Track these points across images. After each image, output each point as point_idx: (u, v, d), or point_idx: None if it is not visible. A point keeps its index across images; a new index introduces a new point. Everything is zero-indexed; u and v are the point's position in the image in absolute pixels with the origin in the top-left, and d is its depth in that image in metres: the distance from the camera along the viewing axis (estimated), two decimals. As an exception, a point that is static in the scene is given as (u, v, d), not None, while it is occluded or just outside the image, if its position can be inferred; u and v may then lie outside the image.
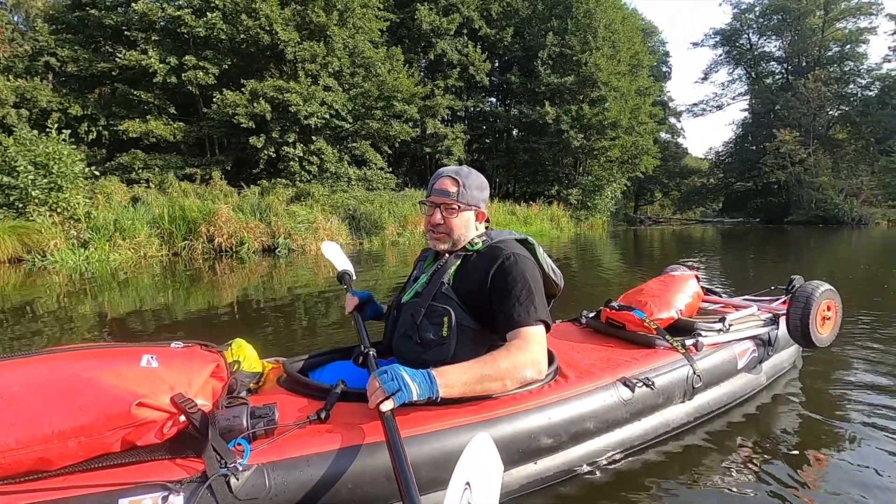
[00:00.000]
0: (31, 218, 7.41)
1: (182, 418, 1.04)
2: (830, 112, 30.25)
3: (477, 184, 1.51)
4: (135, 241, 7.65)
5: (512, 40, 21.29)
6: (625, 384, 1.59)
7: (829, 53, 30.94)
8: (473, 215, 1.52)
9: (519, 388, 1.38)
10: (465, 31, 20.25)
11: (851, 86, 30.48)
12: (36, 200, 7.48)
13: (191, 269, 7.05)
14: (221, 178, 12.63)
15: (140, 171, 12.88)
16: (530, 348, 1.33)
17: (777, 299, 2.45)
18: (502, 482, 1.18)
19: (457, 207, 1.46)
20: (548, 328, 1.40)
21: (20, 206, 7.45)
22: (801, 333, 2.08)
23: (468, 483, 0.92)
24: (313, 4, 14.35)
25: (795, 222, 26.55)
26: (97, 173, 8.93)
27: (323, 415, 1.18)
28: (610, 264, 8.41)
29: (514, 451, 1.33)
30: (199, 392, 1.10)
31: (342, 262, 2.26)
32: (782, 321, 2.17)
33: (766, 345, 2.10)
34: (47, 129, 7.90)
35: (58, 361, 1.06)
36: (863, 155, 29.48)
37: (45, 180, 7.50)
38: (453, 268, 1.48)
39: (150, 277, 6.45)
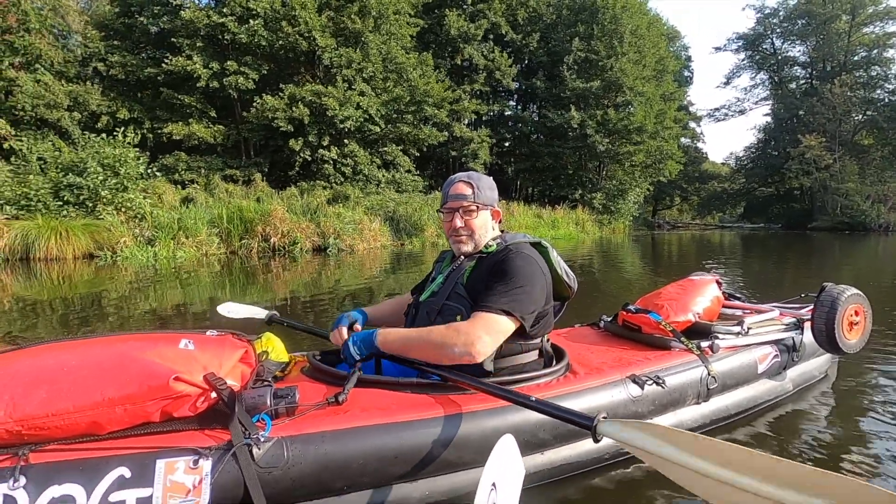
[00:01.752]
0: (99, 216, 7.84)
1: (213, 394, 1.16)
2: (856, 117, 29.91)
3: (488, 185, 1.62)
4: (197, 239, 8.05)
5: (537, 45, 21.51)
6: (634, 381, 1.60)
7: (856, 58, 30.58)
8: (490, 215, 1.61)
9: (453, 363, 1.40)
10: (491, 36, 20.53)
11: (878, 91, 30.10)
12: (104, 200, 7.91)
13: (247, 266, 7.42)
14: (263, 180, 13.03)
15: (183, 172, 13.33)
16: (470, 329, 1.37)
17: (806, 306, 2.37)
18: None
19: (475, 208, 1.55)
20: (524, 324, 1.43)
21: (90, 205, 7.88)
22: (826, 338, 2.03)
23: (494, 484, 0.97)
24: (348, 10, 14.74)
25: (820, 228, 26.31)
26: (158, 174, 9.37)
27: (340, 398, 1.28)
28: (632, 268, 8.61)
29: (520, 441, 1.36)
30: (228, 373, 1.23)
31: (256, 312, 2.23)
32: (807, 327, 2.13)
33: (790, 350, 2.07)
34: (114, 133, 8.33)
35: (109, 342, 1.23)
36: (889, 161, 29.07)
37: (114, 181, 7.92)
38: (468, 269, 1.55)
39: (209, 274, 6.82)
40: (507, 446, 1.07)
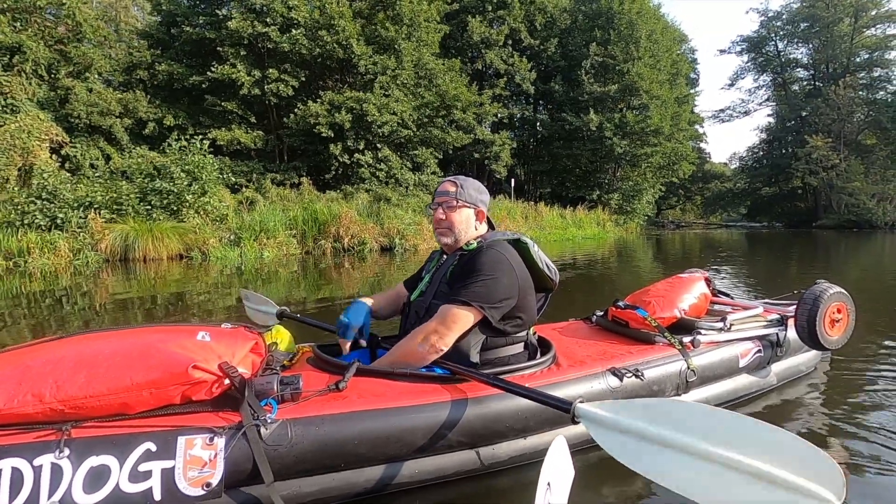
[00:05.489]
0: (183, 219, 8.30)
1: (226, 381, 1.30)
2: (858, 117, 30.67)
3: (475, 186, 1.74)
4: (277, 240, 8.53)
5: (554, 50, 22.07)
6: (614, 373, 1.69)
7: (858, 60, 31.34)
8: (473, 213, 1.72)
9: (425, 360, 1.54)
10: (510, 41, 21.08)
11: (881, 92, 30.85)
12: (187, 204, 8.37)
13: (321, 266, 7.90)
14: (310, 184, 13.49)
15: (228, 176, 13.73)
16: (429, 325, 1.52)
17: (794, 303, 2.40)
18: (494, 454, 1.50)
19: (455, 203, 1.67)
20: (487, 315, 1.53)
21: (175, 209, 8.35)
22: (807, 334, 2.12)
23: (549, 483, 1.05)
24: (380, 18, 15.23)
25: (826, 226, 26.98)
26: (238, 180, 9.81)
27: (340, 385, 1.41)
28: (644, 264, 9.15)
29: (504, 427, 1.50)
30: (240, 362, 1.36)
31: (269, 306, 2.35)
32: (791, 323, 2.20)
33: (773, 346, 2.15)
34: (192, 142, 8.80)
35: (137, 333, 1.41)
36: (893, 160, 29.81)
37: (196, 185, 8.39)
38: (451, 268, 1.65)
39: (287, 273, 7.29)
40: (559, 449, 1.13)
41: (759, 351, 2.09)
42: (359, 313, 1.77)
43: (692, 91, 28.90)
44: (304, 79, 14.69)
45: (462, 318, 1.51)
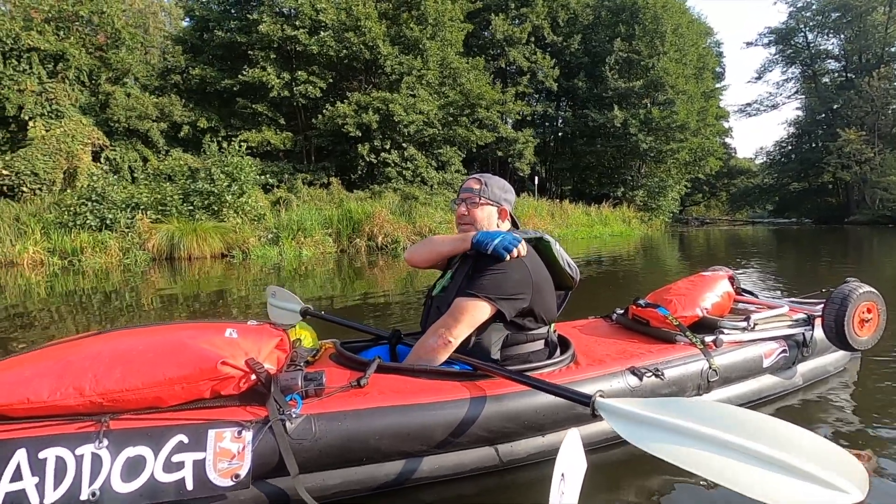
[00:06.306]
0: (223, 219, 8.58)
1: (253, 377, 1.34)
2: (894, 109, 29.69)
3: (499, 185, 1.75)
4: (314, 238, 8.77)
5: (578, 47, 21.93)
6: (633, 373, 1.67)
7: (893, 50, 30.32)
8: (496, 211, 1.73)
9: (438, 352, 1.56)
10: (533, 39, 21.02)
11: (918, 84, 29.82)
12: (227, 204, 8.65)
13: (356, 264, 8.08)
14: (340, 184, 13.73)
15: (258, 176, 14.03)
16: (441, 319, 1.56)
17: (821, 302, 2.32)
18: (513, 451, 1.52)
19: (478, 200, 1.70)
20: (499, 307, 1.55)
21: (215, 209, 8.64)
22: (835, 334, 2.06)
23: (563, 474, 1.08)
24: (405, 17, 15.39)
25: (859, 222, 26.25)
26: (271, 181, 10.09)
27: (361, 382, 1.44)
28: (668, 261, 9.14)
29: (522, 425, 1.51)
30: (266, 358, 1.41)
31: (293, 304, 2.34)
32: (818, 323, 2.15)
33: (799, 346, 2.10)
34: (229, 143, 9.07)
35: (169, 330, 1.48)
36: (929, 154, 28.83)
37: (235, 186, 8.66)
38: (471, 264, 1.65)
39: (323, 271, 7.47)
40: (573, 442, 1.16)
41: (784, 351, 2.05)
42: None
43: (718, 86, 28.40)
44: (331, 80, 14.94)
45: (469, 309, 1.54)
